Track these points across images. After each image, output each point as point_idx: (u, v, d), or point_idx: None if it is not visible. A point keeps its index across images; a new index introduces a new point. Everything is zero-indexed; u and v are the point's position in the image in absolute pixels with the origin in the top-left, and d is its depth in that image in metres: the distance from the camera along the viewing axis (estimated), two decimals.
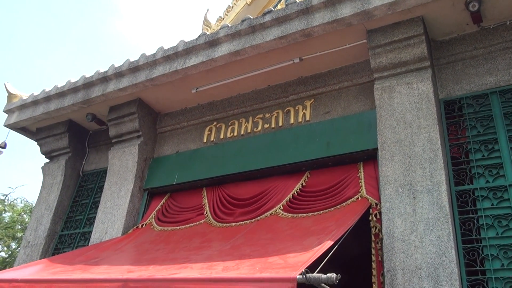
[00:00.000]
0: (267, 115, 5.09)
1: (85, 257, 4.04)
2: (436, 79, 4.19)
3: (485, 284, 3.20)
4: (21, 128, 6.53)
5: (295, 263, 2.61)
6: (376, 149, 4.05)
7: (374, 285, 3.58)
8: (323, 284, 2.25)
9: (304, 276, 2.23)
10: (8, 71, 33.68)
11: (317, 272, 2.26)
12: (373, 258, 3.67)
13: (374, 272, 3.62)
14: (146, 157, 5.67)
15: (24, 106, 6.28)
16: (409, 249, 3.42)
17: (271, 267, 2.64)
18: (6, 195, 22.34)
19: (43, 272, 3.62)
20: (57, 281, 3.19)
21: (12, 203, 24.22)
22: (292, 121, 4.85)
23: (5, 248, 21.30)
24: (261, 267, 2.66)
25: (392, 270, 3.43)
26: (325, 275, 2.20)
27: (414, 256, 3.38)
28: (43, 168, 6.44)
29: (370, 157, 4.19)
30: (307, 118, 4.77)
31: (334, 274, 2.20)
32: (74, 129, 6.34)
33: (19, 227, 21.68)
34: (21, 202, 24.69)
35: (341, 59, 4.75)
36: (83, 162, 6.38)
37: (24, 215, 21.73)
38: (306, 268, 2.29)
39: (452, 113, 4.02)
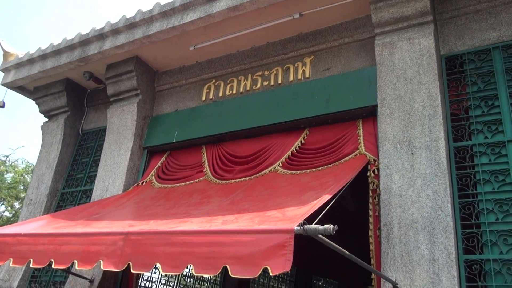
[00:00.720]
0: (266, 73, 5.04)
1: (87, 213, 4.11)
2: (438, 35, 4.12)
3: (479, 237, 3.27)
4: (19, 87, 6.48)
5: (293, 216, 2.66)
6: (375, 106, 4.03)
7: (370, 238, 3.66)
8: (320, 235, 2.29)
9: (302, 227, 2.27)
10: (3, 30, 33.05)
11: (315, 224, 2.30)
12: (370, 213, 3.73)
13: (371, 226, 3.70)
14: (145, 116, 5.66)
15: (20, 64, 6.20)
16: (405, 204, 3.47)
17: (269, 219, 2.69)
18: (7, 156, 22.44)
19: (46, 227, 3.69)
20: (60, 235, 3.26)
21: (13, 164, 24.39)
22: (291, 78, 4.81)
23: (9, 208, 21.63)
24: (260, 220, 2.71)
25: (388, 224, 3.49)
26: (322, 226, 2.24)
27: (410, 210, 3.43)
28: (42, 127, 6.44)
29: (369, 114, 4.18)
30: (307, 75, 4.72)
31: (331, 225, 2.24)
32: (72, 88, 6.29)
33: (22, 187, 21.93)
34: (22, 163, 24.83)
35: (342, 15, 4.65)
36: (82, 121, 6.37)
37: (26, 176, 21.92)
38: (304, 220, 2.33)
39: (453, 69, 3.97)
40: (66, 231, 3.30)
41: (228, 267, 2.36)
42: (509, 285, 3.04)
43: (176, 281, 8.95)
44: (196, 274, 2.55)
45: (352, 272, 11.89)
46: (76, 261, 2.97)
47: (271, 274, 2.24)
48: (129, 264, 2.75)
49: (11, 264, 3.35)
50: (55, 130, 6.24)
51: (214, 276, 9.78)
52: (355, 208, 4.80)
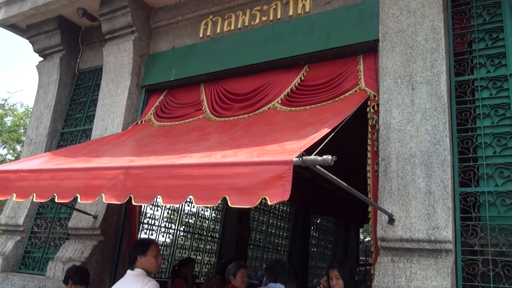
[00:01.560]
0: (265, 7, 4.87)
1: (87, 151, 4.13)
2: None
3: (475, 170, 3.31)
4: (11, 26, 6.30)
5: (292, 149, 2.67)
6: (377, 40, 3.94)
7: (368, 173, 3.71)
8: (318, 166, 2.31)
9: (300, 158, 2.28)
10: None
11: (314, 156, 2.31)
12: (369, 148, 3.75)
13: (369, 161, 3.73)
14: (141, 54, 5.54)
15: (10, 1, 5.99)
16: (404, 139, 3.48)
17: (268, 153, 2.70)
18: (6, 100, 22.33)
19: (47, 163, 3.73)
20: (61, 170, 3.29)
21: (12, 107, 24.31)
22: (291, 13, 4.66)
23: (11, 151, 21.83)
24: (259, 153, 2.73)
25: (386, 159, 3.52)
26: (321, 157, 2.25)
27: (409, 145, 3.45)
28: (37, 66, 6.34)
29: (370, 49, 4.09)
30: (307, 10, 4.57)
31: (330, 156, 2.25)
32: (66, 26, 6.12)
33: (22, 130, 22.01)
34: (21, 107, 24.75)
35: None
36: (78, 60, 6.26)
37: (26, 120, 21.94)
38: (303, 151, 2.34)
39: (458, 1, 3.83)
40: (68, 167, 3.33)
41: (227, 198, 2.40)
42: (501, 216, 3.12)
43: (178, 220, 9.21)
44: (196, 205, 2.60)
45: (348, 211, 12.22)
46: (78, 195, 3.02)
47: (269, 203, 2.28)
48: (130, 197, 2.80)
49: (14, 199, 3.41)
50: (51, 70, 6.15)
51: (215, 213, 10.06)
52: (353, 145, 4.83)
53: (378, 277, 3.24)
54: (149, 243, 3.37)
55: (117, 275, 4.71)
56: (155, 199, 2.71)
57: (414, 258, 3.22)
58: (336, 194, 11.07)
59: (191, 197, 2.53)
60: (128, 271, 3.30)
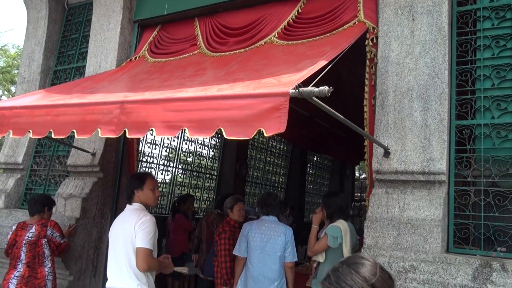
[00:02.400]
0: None
1: (81, 88, 4.08)
2: None
3: (473, 103, 3.30)
4: None
5: (288, 81, 2.63)
6: None
7: (365, 107, 3.69)
8: (314, 98, 2.29)
9: (297, 90, 2.25)
10: None
11: (310, 87, 2.28)
12: (366, 82, 3.71)
13: (366, 95, 3.71)
14: None
15: None
16: (402, 72, 3.44)
17: (264, 85, 2.67)
18: None
19: (41, 100, 3.68)
20: (56, 106, 3.26)
21: (3, 48, 23.73)
22: None
23: (6, 92, 21.62)
24: (255, 87, 2.69)
25: (384, 93, 3.50)
26: (318, 88, 2.22)
27: (407, 78, 3.41)
28: (25, 1, 6.10)
29: None
30: None
31: (326, 87, 2.23)
32: None
33: (16, 71, 21.65)
34: (13, 47, 24.16)
35: None
36: None
37: (19, 60, 21.47)
38: (300, 83, 2.31)
39: None
40: (63, 102, 3.30)
41: (222, 130, 2.40)
42: (496, 148, 3.15)
43: (176, 158, 9.31)
44: (190, 136, 2.60)
45: (345, 149, 12.34)
46: (75, 131, 3.02)
47: (265, 135, 2.28)
48: (125, 131, 2.79)
49: (11, 136, 3.41)
50: (39, 5, 5.92)
51: (213, 151, 10.15)
52: (351, 79, 4.78)
53: (372, 208, 3.33)
54: (145, 177, 3.36)
55: (118, 210, 4.83)
56: (149, 131, 2.71)
57: (408, 190, 3.29)
58: (333, 131, 11.12)
59: (185, 128, 2.52)
60: (127, 206, 3.34)
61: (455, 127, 3.31)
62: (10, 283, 3.87)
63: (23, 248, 3.97)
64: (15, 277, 3.89)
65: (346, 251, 3.65)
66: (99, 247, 4.84)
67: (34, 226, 4.05)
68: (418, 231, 3.08)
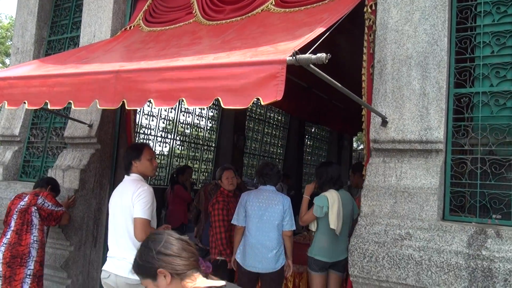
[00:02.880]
0: None
1: (76, 58, 4.02)
2: None
3: (472, 71, 3.26)
4: None
5: (285, 49, 2.59)
6: None
7: (363, 76, 3.66)
8: (312, 66, 2.26)
9: (294, 57, 2.22)
10: None
11: (308, 54, 2.25)
12: (365, 50, 3.66)
13: (364, 64, 3.66)
14: None
15: None
16: (401, 39, 3.39)
17: (261, 53, 2.63)
18: None
19: (36, 70, 3.64)
20: (51, 76, 3.22)
21: None
22: None
23: (0, 65, 21.38)
24: (252, 55, 2.65)
25: (382, 61, 3.46)
26: (315, 55, 2.19)
27: (405, 46, 3.37)
28: None
29: None
30: None
31: (324, 53, 2.19)
32: None
33: (10, 42, 21.32)
34: (6, 18, 23.72)
35: None
36: None
37: (13, 31, 21.14)
38: (297, 50, 2.27)
39: None
40: (58, 72, 3.26)
41: (220, 99, 2.38)
42: (494, 116, 3.14)
43: (173, 130, 9.30)
44: (188, 106, 2.58)
45: (342, 120, 12.33)
46: (71, 101, 2.99)
47: (262, 103, 2.27)
48: (123, 102, 2.77)
49: (6, 107, 3.38)
50: None
51: (211, 123, 10.13)
52: (349, 49, 4.73)
53: (369, 177, 3.35)
54: (142, 147, 3.36)
55: (116, 181, 4.85)
56: (147, 103, 2.69)
57: (405, 159, 3.30)
58: (330, 102, 11.09)
59: (183, 99, 2.50)
60: (126, 177, 3.36)
61: (453, 95, 3.28)
62: None
63: (14, 215, 3.98)
64: (4, 244, 3.90)
65: (332, 221, 3.73)
66: (99, 218, 4.88)
67: (27, 196, 4.08)
68: (414, 199, 3.10)
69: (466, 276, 2.68)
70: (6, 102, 3.34)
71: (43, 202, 4.09)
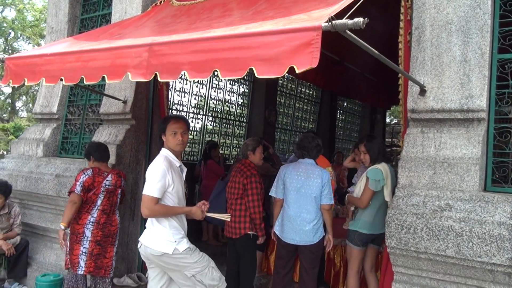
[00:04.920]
0: None
1: (109, 34, 4.04)
2: None
3: None
4: None
5: (319, 16, 2.51)
6: None
7: (400, 44, 3.53)
8: (348, 32, 2.19)
9: (329, 23, 2.15)
10: None
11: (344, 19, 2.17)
12: (402, 17, 3.52)
13: (401, 31, 3.54)
14: None
15: None
16: (441, 4, 3.24)
17: (295, 21, 2.56)
18: None
19: (71, 46, 3.69)
20: (86, 52, 3.25)
21: (30, 2, 23.79)
22: None
23: (36, 47, 21.89)
24: (285, 23, 2.58)
25: (420, 27, 3.32)
26: (351, 20, 2.11)
27: (445, 10, 3.22)
28: None
29: None
30: None
31: (361, 18, 2.11)
32: None
33: (44, 25, 21.78)
34: (40, 0, 24.18)
35: None
36: None
37: (47, 14, 21.62)
38: (332, 16, 2.20)
39: None
40: (92, 48, 3.29)
41: (253, 68, 2.34)
42: None
43: (205, 106, 9.34)
44: (222, 78, 2.56)
45: (376, 93, 12.06)
46: (105, 75, 3.02)
47: (297, 71, 2.21)
48: (156, 74, 2.77)
49: (44, 83, 3.46)
50: None
51: (242, 98, 10.11)
52: (384, 16, 4.56)
53: (407, 147, 3.26)
54: (167, 121, 3.29)
55: (151, 156, 4.92)
56: (181, 74, 2.67)
57: (444, 128, 3.19)
58: (363, 76, 10.85)
59: (217, 70, 2.48)
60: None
61: (497, 62, 3.13)
62: (85, 228, 3.99)
63: (101, 195, 4.06)
64: (91, 222, 4.01)
65: (387, 194, 3.60)
66: (136, 192, 4.99)
67: (110, 175, 4.15)
68: (454, 170, 3.01)
69: (510, 248, 2.59)
70: (44, 79, 3.41)
71: (124, 184, 4.27)
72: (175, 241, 3.10)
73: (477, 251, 2.69)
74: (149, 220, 3.21)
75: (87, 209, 4.03)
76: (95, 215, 4.03)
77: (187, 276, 3.14)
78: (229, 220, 3.63)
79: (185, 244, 3.14)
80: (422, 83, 3.22)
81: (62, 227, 3.88)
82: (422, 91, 3.23)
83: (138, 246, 3.25)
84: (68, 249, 4.00)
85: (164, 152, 3.27)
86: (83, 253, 3.97)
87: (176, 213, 3.20)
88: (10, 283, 4.85)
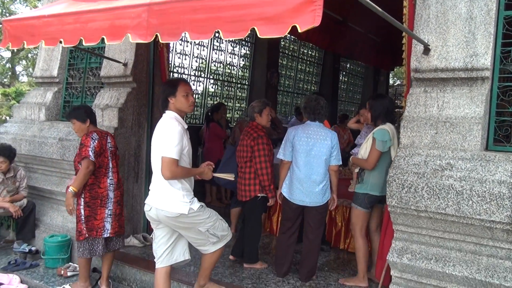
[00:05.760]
0: None
1: None
2: None
3: None
4: None
5: None
6: None
7: (404, 2, 3.45)
8: None
9: None
10: None
11: None
12: None
13: None
14: None
15: None
16: None
17: None
18: None
19: (69, 7, 3.61)
20: (84, 13, 3.18)
21: None
22: None
23: (32, 8, 21.51)
24: None
25: None
26: None
27: None
28: None
29: None
30: None
31: None
32: None
33: None
34: None
35: None
36: None
37: None
38: None
39: None
40: (90, 9, 3.22)
41: (256, 29, 2.31)
42: None
43: (206, 68, 9.26)
44: (224, 38, 2.52)
45: (379, 54, 11.89)
46: (105, 37, 2.97)
47: (299, 30, 2.18)
48: (156, 35, 2.73)
49: (43, 45, 3.42)
50: None
51: (244, 60, 10.00)
52: None
53: (409, 107, 3.25)
54: (177, 83, 3.30)
55: (154, 119, 4.94)
56: (182, 36, 2.64)
57: (447, 88, 3.17)
58: (366, 36, 10.68)
59: (218, 30, 2.44)
60: (164, 114, 3.34)
61: (503, 19, 3.06)
62: (108, 191, 4.02)
63: (109, 157, 4.09)
64: (111, 185, 4.05)
65: (394, 153, 3.58)
66: (139, 154, 5.03)
67: (108, 137, 4.14)
68: (456, 129, 3.01)
69: (509, 205, 2.63)
70: (43, 41, 3.36)
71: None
72: (189, 202, 3.18)
73: (476, 209, 2.73)
74: (158, 183, 3.22)
75: (104, 173, 4.04)
76: (112, 177, 4.06)
77: (201, 231, 3.25)
78: (233, 179, 3.66)
79: (197, 202, 3.25)
80: (426, 41, 3.17)
81: (73, 191, 3.87)
82: (426, 50, 3.19)
83: (147, 209, 3.26)
84: (82, 217, 3.95)
85: (171, 114, 3.26)
86: (109, 216, 3.99)
87: (193, 174, 3.30)
88: (19, 244, 4.97)
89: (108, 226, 3.98)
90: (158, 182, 3.22)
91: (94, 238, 3.95)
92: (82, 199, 3.96)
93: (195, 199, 3.27)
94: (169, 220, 3.18)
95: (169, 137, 3.10)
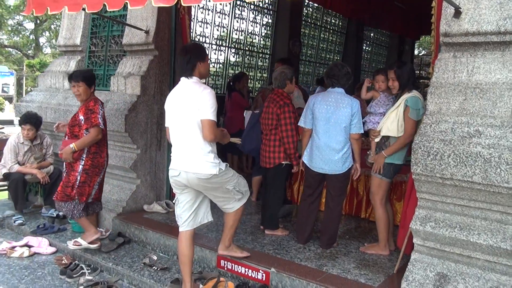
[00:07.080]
0: None
1: None
2: None
3: None
4: None
5: None
6: None
7: None
8: None
9: None
10: None
11: None
12: None
13: None
14: None
15: None
16: None
17: None
18: None
19: None
20: None
21: None
22: None
23: None
24: None
25: None
26: None
27: None
28: None
29: None
30: None
31: None
32: None
33: None
34: None
35: None
36: None
37: None
38: None
39: None
40: None
41: None
42: None
43: (228, 37, 9.16)
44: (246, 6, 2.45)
45: (404, 22, 11.54)
46: (127, 2, 2.94)
47: None
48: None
49: (67, 12, 3.41)
50: None
51: (265, 29, 9.85)
52: None
53: (437, 73, 3.15)
54: (204, 48, 3.36)
55: None
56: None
57: (478, 52, 3.05)
58: (391, 3, 10.36)
59: None
60: (184, 79, 3.30)
61: None
62: (105, 160, 4.23)
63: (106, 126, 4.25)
64: (107, 155, 4.30)
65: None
66: (161, 122, 5.06)
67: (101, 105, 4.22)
68: (486, 95, 2.91)
69: None
70: (66, 7, 3.35)
71: None
72: (218, 162, 3.27)
73: (504, 177, 2.66)
74: (187, 147, 3.21)
75: (103, 143, 4.15)
76: (107, 147, 4.23)
77: (228, 189, 3.35)
78: (239, 142, 3.86)
79: (222, 162, 3.33)
80: (458, 4, 3.04)
81: (74, 149, 3.94)
82: (457, 13, 3.06)
83: (175, 174, 3.25)
84: (77, 182, 4.04)
85: (197, 79, 3.27)
86: (97, 183, 4.16)
87: (225, 135, 3.43)
88: (47, 209, 5.13)
89: (93, 192, 4.14)
90: (187, 146, 3.21)
91: (79, 203, 4.08)
92: (81, 166, 4.04)
93: (220, 160, 3.34)
94: (201, 182, 3.22)
95: (207, 100, 3.12)
